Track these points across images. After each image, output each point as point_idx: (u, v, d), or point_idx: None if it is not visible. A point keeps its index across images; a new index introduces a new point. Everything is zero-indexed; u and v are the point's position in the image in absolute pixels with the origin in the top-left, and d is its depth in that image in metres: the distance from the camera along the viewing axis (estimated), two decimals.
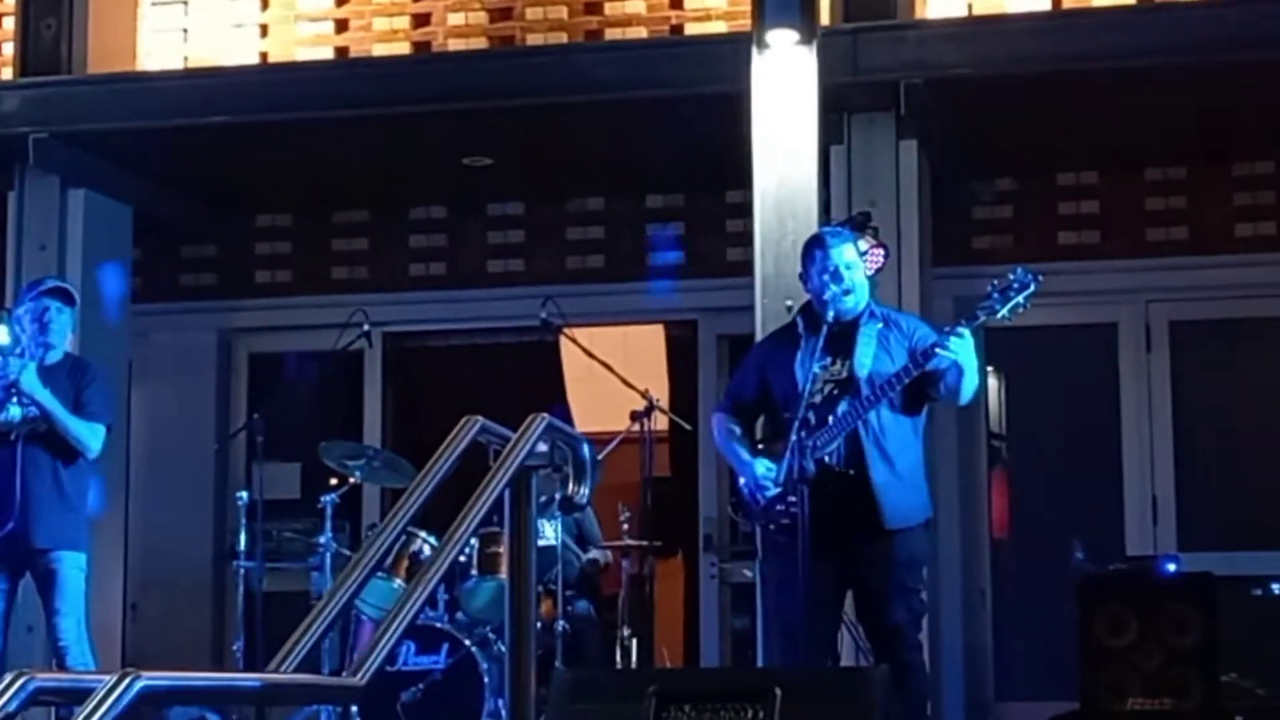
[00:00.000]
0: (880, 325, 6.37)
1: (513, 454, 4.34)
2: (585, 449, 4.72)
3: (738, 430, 6.54)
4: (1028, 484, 10.07)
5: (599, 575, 8.80)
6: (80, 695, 2.76)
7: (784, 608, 6.17)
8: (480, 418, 4.49)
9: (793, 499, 6.20)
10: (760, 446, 6.47)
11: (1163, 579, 8.39)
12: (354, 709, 7.55)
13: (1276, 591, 9.54)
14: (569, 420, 10.54)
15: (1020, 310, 6.38)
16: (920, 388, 6.30)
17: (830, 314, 6.24)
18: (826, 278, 6.32)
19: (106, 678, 2.78)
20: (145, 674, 2.79)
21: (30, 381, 6.92)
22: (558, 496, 7.53)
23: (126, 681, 2.71)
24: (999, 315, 6.36)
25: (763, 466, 6.31)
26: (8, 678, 2.81)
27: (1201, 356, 9.77)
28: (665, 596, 10.54)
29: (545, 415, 4.54)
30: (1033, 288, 6.34)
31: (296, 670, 3.49)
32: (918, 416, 6.38)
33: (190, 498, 10.41)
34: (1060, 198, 9.94)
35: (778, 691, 4.82)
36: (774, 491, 6.27)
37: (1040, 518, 9.98)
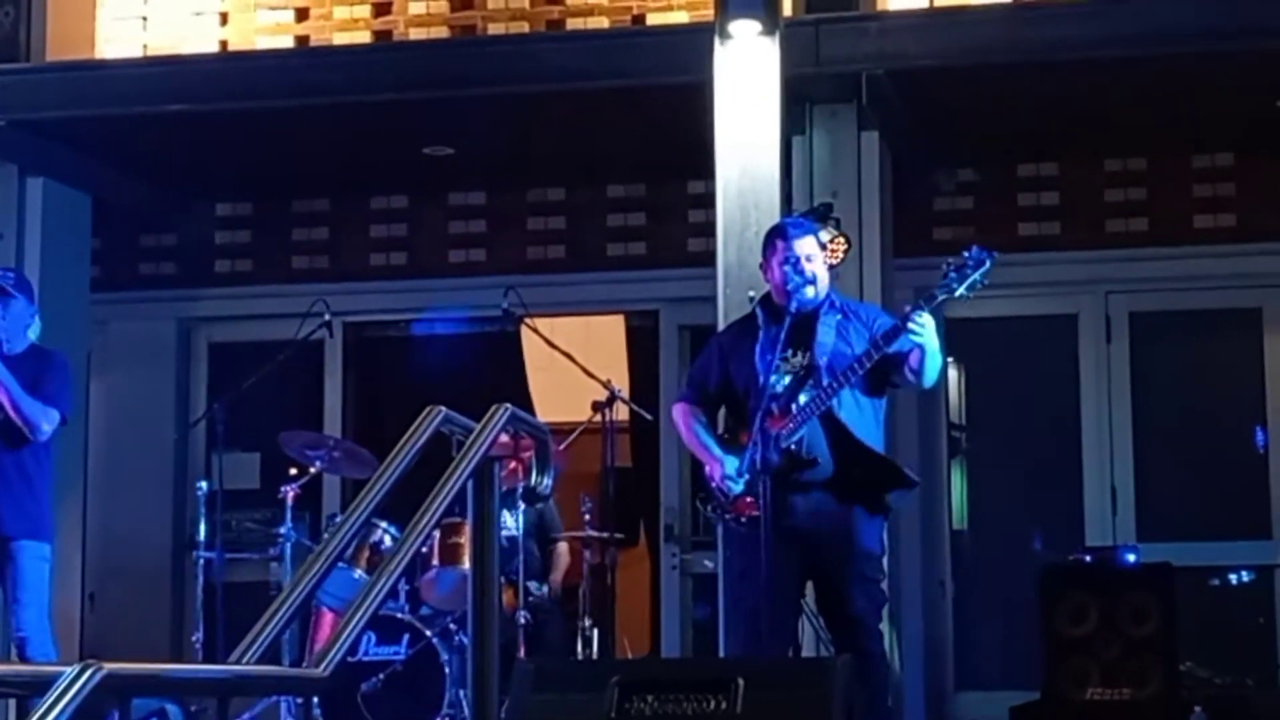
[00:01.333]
0: (839, 316, 6.37)
1: (476, 444, 4.33)
2: (548, 440, 4.71)
3: (704, 421, 6.53)
4: (988, 475, 10.10)
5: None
6: (40, 686, 2.75)
7: (746, 597, 6.17)
8: (443, 408, 4.48)
9: (743, 486, 6.22)
10: (725, 437, 6.46)
11: (1122, 569, 8.45)
12: (315, 700, 7.55)
13: (1235, 582, 9.62)
14: (530, 411, 10.54)
15: (979, 287, 6.35)
16: (884, 374, 6.30)
17: (792, 305, 6.23)
18: (788, 268, 6.32)
19: (68, 669, 2.76)
20: (107, 665, 2.77)
21: None
22: (520, 487, 7.61)
23: (88, 673, 2.69)
24: (957, 294, 6.34)
25: (731, 465, 6.30)
26: None
27: (1161, 347, 9.81)
28: (628, 586, 10.54)
29: (508, 406, 4.54)
30: (988, 264, 6.32)
31: (259, 661, 3.48)
32: (877, 406, 6.38)
33: (150, 488, 10.36)
34: (1020, 189, 9.97)
35: (740, 682, 4.81)
36: (740, 488, 6.27)
37: (1000, 508, 10.01)
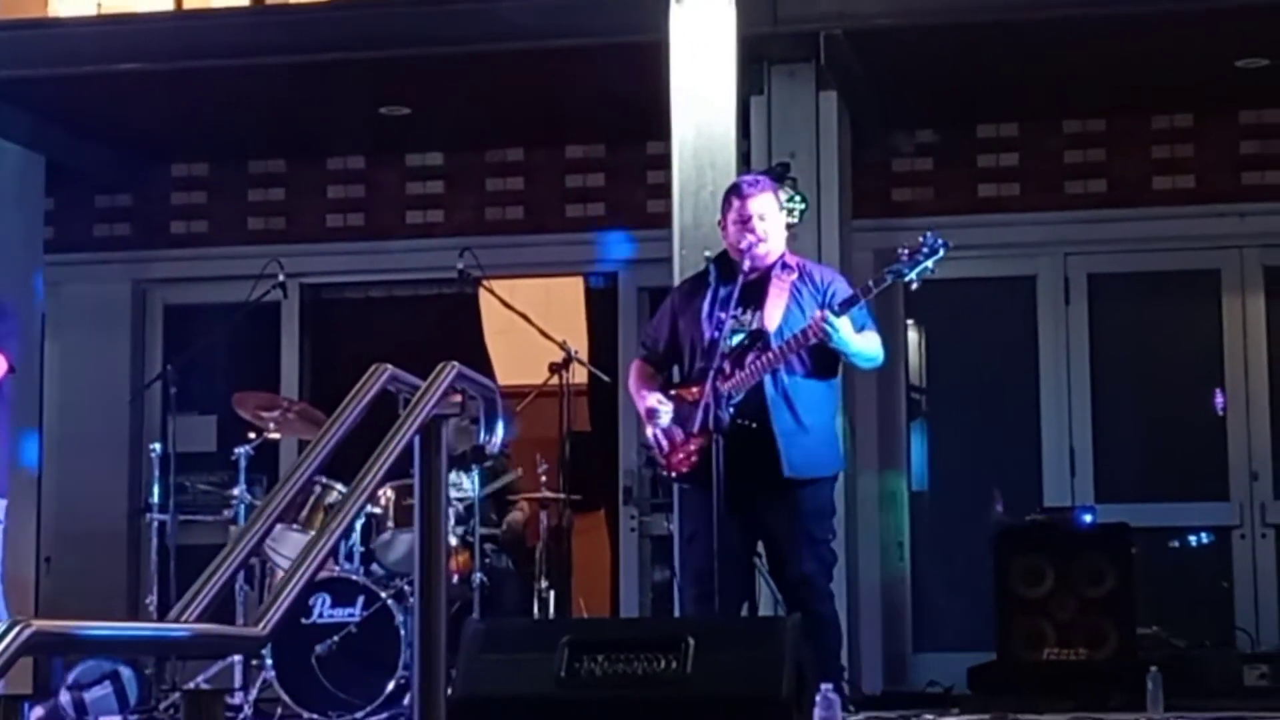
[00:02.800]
0: (794, 277, 6.35)
1: (422, 402, 4.28)
2: (496, 398, 4.67)
3: (650, 375, 6.52)
4: (947, 436, 10.09)
5: (520, 534, 8.73)
6: None
7: (696, 559, 6.17)
8: (389, 366, 4.42)
9: (693, 447, 6.20)
10: (672, 395, 6.43)
11: (1078, 530, 8.45)
12: (268, 661, 7.52)
13: (1192, 544, 9.64)
14: (489, 373, 10.49)
15: (927, 273, 6.38)
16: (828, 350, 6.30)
17: (745, 263, 6.21)
18: (741, 225, 6.30)
19: None
20: (36, 622, 2.73)
21: None
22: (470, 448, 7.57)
23: (16, 629, 2.65)
24: (906, 279, 6.37)
25: (654, 399, 6.31)
26: None
27: (1119, 309, 9.81)
28: (589, 550, 10.52)
29: (455, 364, 4.49)
30: (941, 253, 6.35)
31: (198, 621, 3.44)
32: (832, 374, 6.37)
33: (105, 450, 10.29)
34: (980, 150, 9.95)
35: (690, 641, 4.81)
36: (666, 421, 6.28)
37: (959, 469, 10.01)
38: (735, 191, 6.43)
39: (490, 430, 4.67)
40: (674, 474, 6.26)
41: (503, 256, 9.82)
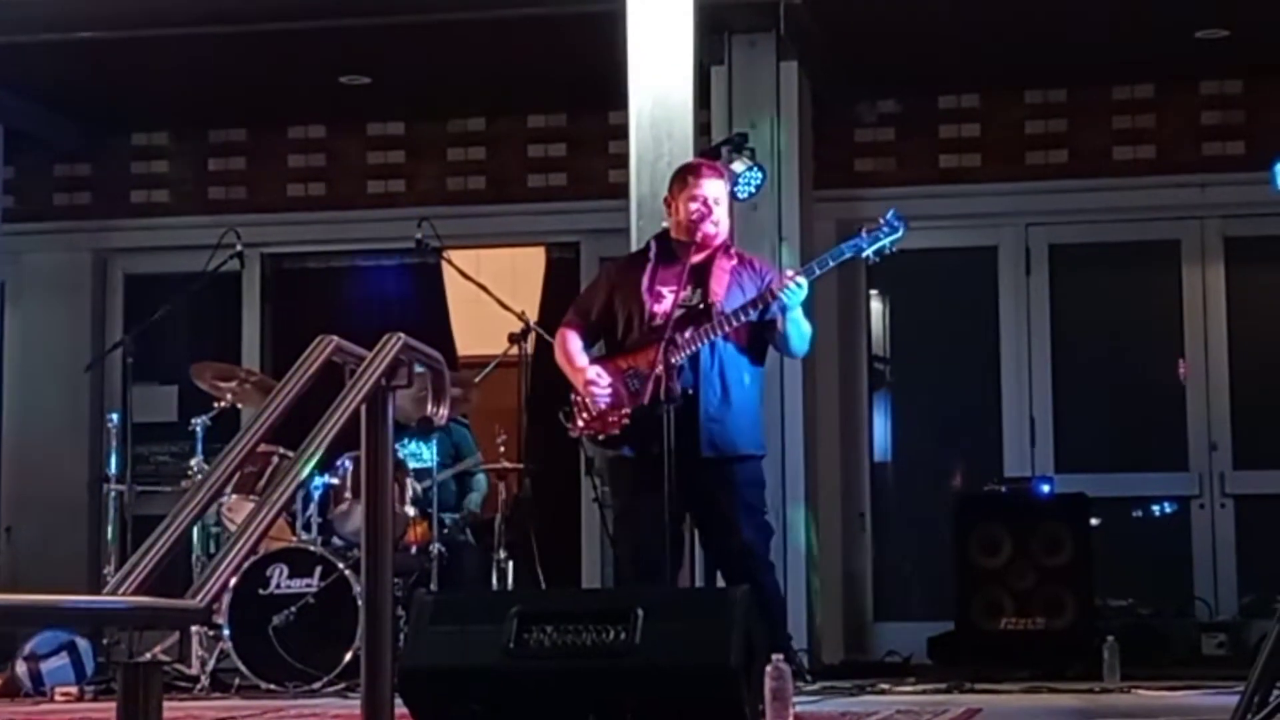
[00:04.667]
0: (735, 262, 6.42)
1: (366, 373, 4.27)
2: (444, 370, 4.66)
3: (579, 344, 6.54)
4: (908, 406, 10.11)
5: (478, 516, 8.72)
6: None
7: (630, 535, 6.22)
8: (335, 337, 4.40)
9: (625, 411, 6.23)
10: (625, 365, 6.42)
11: (1037, 500, 8.48)
12: (226, 632, 7.50)
13: (1154, 514, 9.67)
14: (451, 344, 10.47)
15: (885, 252, 6.43)
16: (761, 333, 6.35)
17: (698, 236, 6.24)
18: (696, 205, 6.34)
19: None
20: None
21: None
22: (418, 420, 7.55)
23: None
24: (864, 254, 6.43)
25: (593, 371, 6.33)
26: None
27: (1080, 280, 9.82)
28: (561, 523, 10.50)
29: (400, 335, 4.47)
30: (901, 233, 6.40)
31: (138, 593, 3.42)
32: (759, 357, 6.43)
33: (65, 420, 10.26)
34: (941, 120, 9.94)
35: (639, 612, 4.80)
36: (605, 394, 6.29)
37: (921, 440, 10.03)
38: (693, 172, 6.49)
39: (438, 401, 4.65)
40: (600, 435, 6.30)
41: (465, 226, 9.84)
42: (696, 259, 6.31)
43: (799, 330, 6.36)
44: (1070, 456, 9.61)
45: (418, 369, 4.68)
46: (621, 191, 9.49)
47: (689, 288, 6.27)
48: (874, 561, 9.83)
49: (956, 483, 9.07)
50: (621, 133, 9.73)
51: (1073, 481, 8.97)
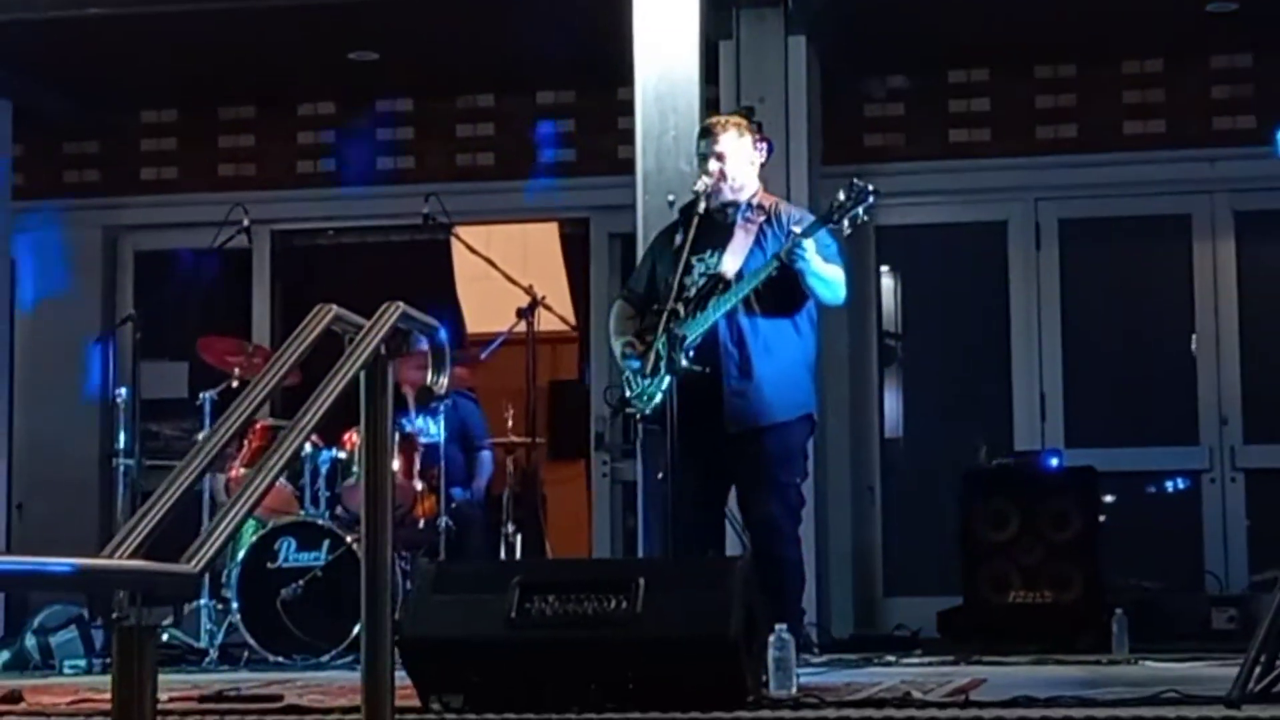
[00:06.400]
0: (763, 219, 6.33)
1: (364, 341, 4.27)
2: (444, 339, 4.66)
3: (627, 321, 6.51)
4: (919, 381, 10.10)
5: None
6: None
7: (661, 502, 6.19)
8: (334, 305, 4.42)
9: (651, 390, 6.21)
10: (648, 338, 6.40)
11: (1044, 473, 8.47)
12: (234, 605, 7.52)
13: (1163, 488, 9.66)
14: (459, 319, 10.51)
15: (860, 220, 6.33)
16: (792, 287, 6.27)
17: (702, 204, 6.21)
18: (701, 164, 6.31)
19: None
20: None
21: None
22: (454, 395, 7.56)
23: None
24: (840, 226, 6.33)
25: (623, 342, 6.32)
26: None
27: (1090, 254, 9.80)
28: (571, 500, 10.54)
29: (400, 304, 4.48)
30: (871, 200, 6.29)
31: (132, 558, 3.43)
32: (797, 313, 6.34)
33: (76, 397, 10.28)
34: (951, 95, 9.92)
35: (640, 582, 4.80)
36: (638, 387, 6.27)
37: (931, 414, 10.02)
38: (702, 131, 6.45)
39: (439, 371, 4.66)
40: (639, 415, 6.26)
41: (473, 203, 9.83)
42: (720, 221, 6.27)
43: (821, 283, 6.26)
44: (1080, 431, 9.59)
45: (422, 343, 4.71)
46: (630, 167, 9.50)
47: (711, 254, 6.24)
48: (884, 536, 9.82)
49: (981, 458, 9.03)
50: (630, 108, 9.75)
51: (1083, 456, 8.95)
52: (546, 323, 8.99)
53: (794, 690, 5.08)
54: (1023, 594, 8.16)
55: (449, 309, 10.12)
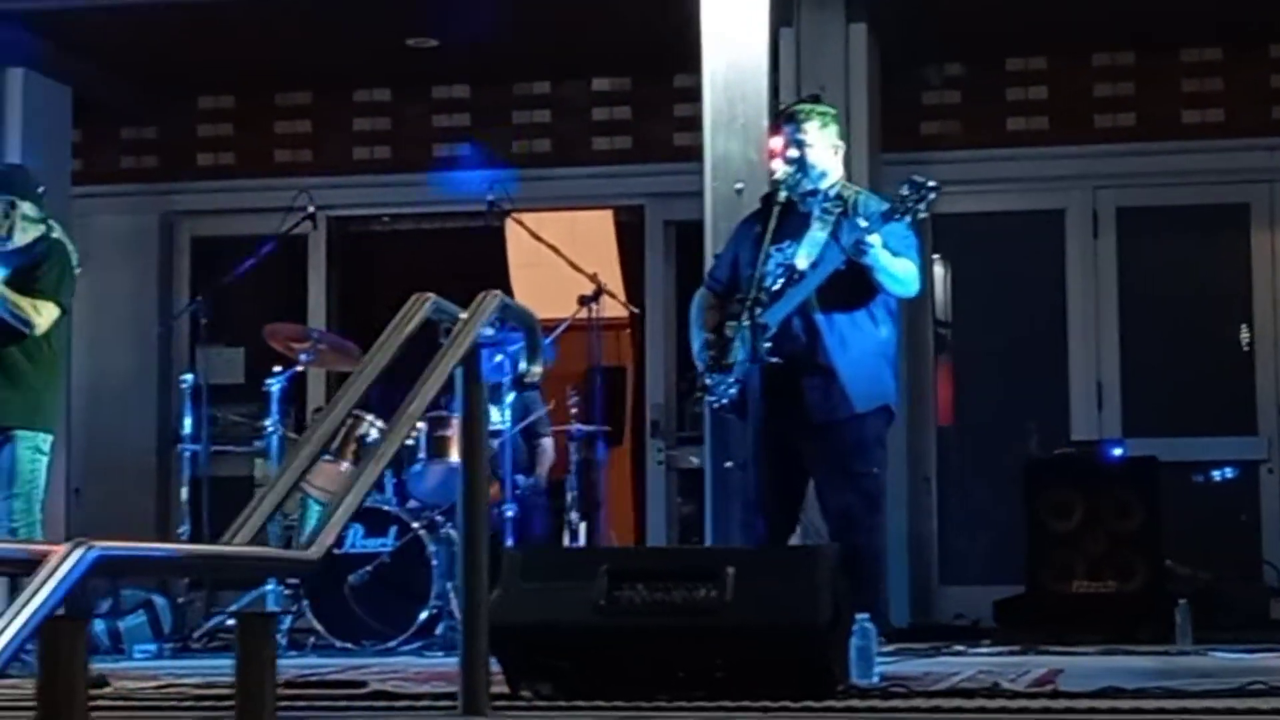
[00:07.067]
0: (839, 209, 6.30)
1: (465, 331, 4.29)
2: (537, 327, 4.68)
3: (709, 310, 6.50)
4: (973, 371, 10.09)
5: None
6: (32, 565, 2.72)
7: (742, 489, 6.19)
8: (433, 294, 4.44)
9: (729, 379, 6.21)
10: (730, 326, 6.39)
11: (1108, 463, 8.46)
12: (301, 591, 7.56)
13: (1219, 478, 9.64)
14: None
15: (921, 215, 6.28)
16: (861, 278, 6.26)
17: (782, 193, 6.20)
18: (777, 153, 6.28)
19: (59, 546, 2.74)
20: (98, 543, 2.75)
21: None
22: (506, 379, 7.59)
23: (80, 551, 2.67)
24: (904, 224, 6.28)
25: (702, 337, 6.32)
26: None
27: (1148, 243, 9.78)
28: (613, 484, 10.55)
29: (497, 292, 4.50)
30: (934, 196, 6.23)
31: (249, 545, 3.46)
32: (872, 304, 6.32)
33: (134, 382, 10.34)
34: (1009, 83, 9.91)
35: (729, 570, 4.81)
36: (711, 375, 6.28)
37: (986, 404, 10.02)
38: (783, 117, 6.42)
39: (532, 359, 4.68)
40: (721, 403, 6.27)
41: (529, 190, 9.83)
42: (795, 211, 6.25)
43: (889, 277, 6.24)
44: (1138, 420, 9.58)
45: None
46: (686, 155, 9.52)
47: (788, 243, 6.23)
48: (939, 525, 9.82)
49: (1032, 446, 9.02)
50: (687, 96, 9.78)
51: (1140, 446, 8.94)
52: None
53: (876, 680, 5.09)
54: (1086, 584, 8.16)
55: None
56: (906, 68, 9.67)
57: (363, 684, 5.31)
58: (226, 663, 6.71)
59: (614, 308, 9.18)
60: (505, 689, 4.85)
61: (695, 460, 9.92)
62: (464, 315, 4.38)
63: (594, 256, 10.50)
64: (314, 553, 3.40)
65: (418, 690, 5.13)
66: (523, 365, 4.71)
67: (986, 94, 9.92)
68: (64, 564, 2.66)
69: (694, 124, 9.36)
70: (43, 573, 2.65)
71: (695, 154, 8.50)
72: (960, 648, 7.03)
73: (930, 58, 9.86)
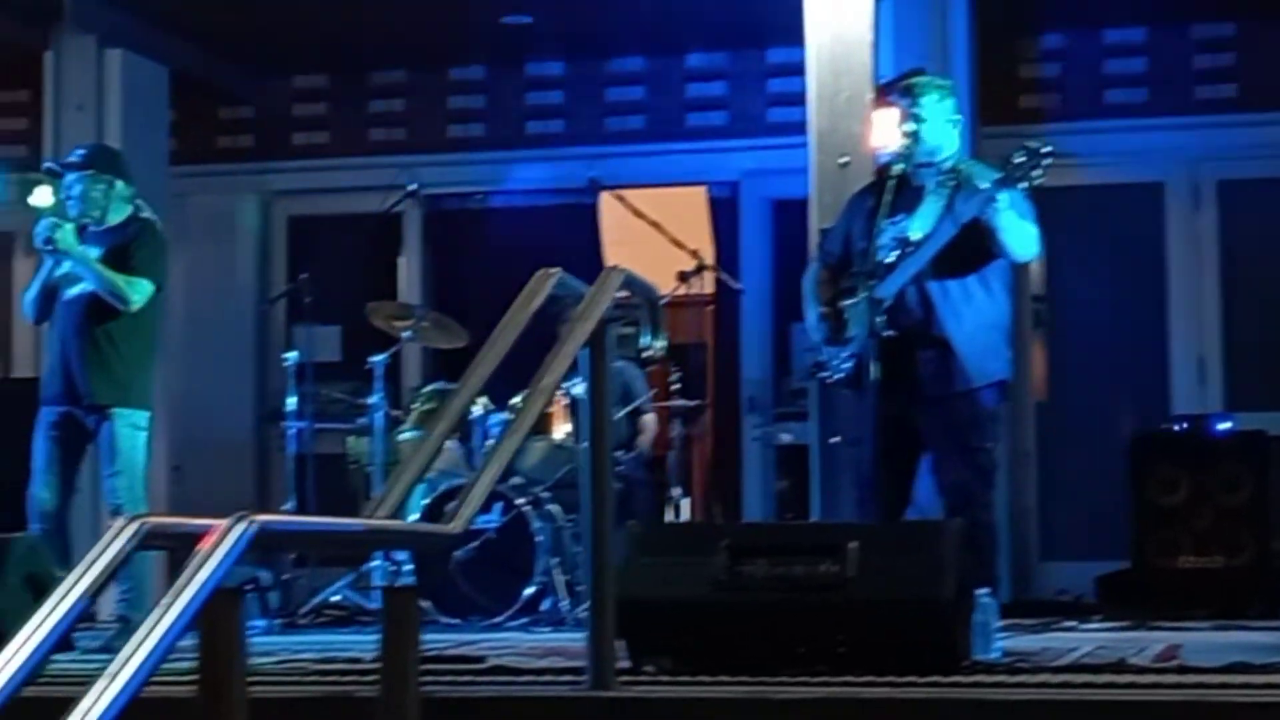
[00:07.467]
0: (953, 183, 6.24)
1: (593, 306, 4.29)
2: (659, 302, 4.68)
3: (823, 285, 6.46)
4: (1071, 346, 10.01)
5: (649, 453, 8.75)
6: (193, 539, 2.74)
7: (858, 464, 6.16)
8: (559, 270, 4.45)
9: (844, 353, 6.19)
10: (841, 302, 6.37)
11: (1214, 438, 8.37)
12: (407, 568, 7.59)
13: None
14: None
15: (1035, 182, 6.17)
16: (976, 245, 6.18)
17: (898, 166, 6.16)
18: (888, 127, 6.24)
19: (221, 521, 2.75)
20: (260, 516, 2.77)
21: (65, 238, 6.84)
22: (617, 359, 7.57)
23: (244, 523, 2.69)
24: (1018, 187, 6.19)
25: (816, 311, 6.29)
26: (121, 521, 2.80)
27: (1249, 216, 9.67)
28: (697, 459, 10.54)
29: (622, 267, 4.50)
30: (1049, 161, 6.13)
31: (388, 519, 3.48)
32: (988, 274, 6.25)
33: (231, 360, 10.40)
34: (1107, 55, 9.82)
35: (852, 545, 4.79)
36: (826, 350, 6.26)
37: (1084, 379, 9.93)
38: (901, 91, 6.36)
39: (655, 333, 4.68)
40: (833, 379, 6.24)
41: (623, 167, 9.83)
42: (910, 185, 6.21)
43: (1014, 238, 6.12)
44: (1239, 395, 9.48)
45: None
46: (781, 130, 9.50)
47: (902, 217, 6.19)
48: (1039, 501, 9.75)
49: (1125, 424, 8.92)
50: (780, 70, 9.76)
51: (1241, 420, 8.85)
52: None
53: (997, 655, 5.07)
54: (1193, 559, 8.09)
55: (596, 274, 10.10)
56: (1004, 40, 9.59)
57: (480, 659, 5.33)
58: (336, 638, 6.79)
59: (699, 284, 9.17)
60: (627, 664, 4.86)
61: (787, 437, 9.91)
62: (590, 291, 4.38)
63: (686, 234, 10.49)
64: (456, 526, 3.41)
65: (536, 665, 5.14)
66: (645, 339, 4.69)
67: (1085, 66, 9.83)
68: (228, 537, 2.67)
69: (789, 99, 9.35)
70: (207, 545, 2.66)
71: (791, 129, 8.48)
72: (1070, 623, 7.00)
73: (1027, 30, 9.77)
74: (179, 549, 2.78)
